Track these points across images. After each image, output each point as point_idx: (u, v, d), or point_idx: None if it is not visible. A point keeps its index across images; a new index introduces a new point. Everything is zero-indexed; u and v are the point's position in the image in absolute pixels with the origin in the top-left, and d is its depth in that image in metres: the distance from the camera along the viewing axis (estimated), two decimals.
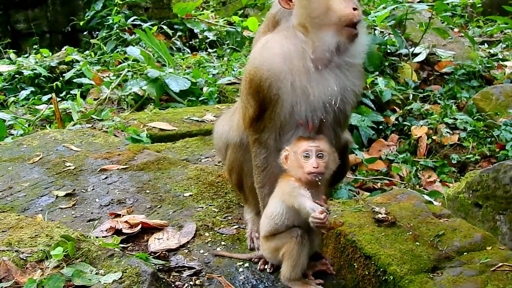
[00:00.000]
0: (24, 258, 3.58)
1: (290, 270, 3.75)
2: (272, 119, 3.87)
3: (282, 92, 3.75)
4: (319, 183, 3.68)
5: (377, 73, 9.96)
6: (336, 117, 3.93)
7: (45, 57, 11.64)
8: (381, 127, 9.17)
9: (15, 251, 3.64)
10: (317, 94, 3.75)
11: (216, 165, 5.88)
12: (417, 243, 4.35)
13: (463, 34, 12.73)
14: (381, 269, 4.13)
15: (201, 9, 16.28)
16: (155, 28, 12.65)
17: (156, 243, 4.26)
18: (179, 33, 13.78)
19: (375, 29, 11.40)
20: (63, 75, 10.55)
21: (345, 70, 3.84)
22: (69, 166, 5.62)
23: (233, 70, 10.56)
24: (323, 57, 3.74)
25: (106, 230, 4.39)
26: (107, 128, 7.18)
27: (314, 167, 3.61)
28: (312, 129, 3.87)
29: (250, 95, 3.92)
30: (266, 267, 3.94)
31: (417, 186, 7.73)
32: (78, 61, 11.05)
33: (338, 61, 3.79)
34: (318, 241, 3.98)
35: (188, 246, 4.25)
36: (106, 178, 5.38)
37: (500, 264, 4.06)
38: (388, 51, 10.86)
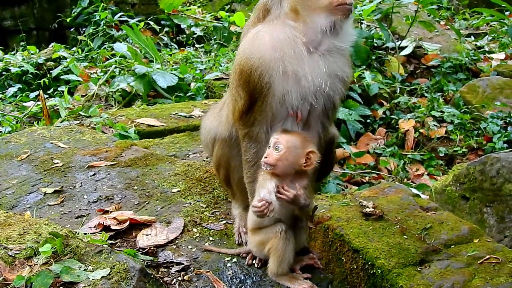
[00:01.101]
0: (13, 255, 3.57)
1: (276, 265, 3.76)
2: (263, 110, 3.89)
3: (274, 80, 3.78)
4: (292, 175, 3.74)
5: (364, 67, 9.97)
6: (325, 106, 3.96)
7: (32, 54, 11.62)
8: (368, 120, 9.18)
9: (4, 248, 3.63)
10: (309, 78, 3.78)
11: (204, 160, 5.89)
12: (404, 236, 4.37)
13: (449, 27, 12.75)
14: (369, 263, 4.15)
15: (187, 4, 16.23)
16: (142, 24, 12.64)
17: (144, 239, 4.26)
18: (166, 29, 13.77)
19: (361, 23, 11.40)
20: (51, 72, 10.54)
21: (334, 54, 3.89)
22: (57, 163, 5.61)
23: (221, 66, 10.56)
24: (315, 39, 3.78)
25: (94, 227, 4.39)
26: (95, 124, 7.17)
27: (264, 157, 3.69)
28: (301, 120, 3.90)
29: (240, 86, 3.94)
30: (254, 262, 3.96)
31: (405, 179, 7.76)
32: (65, 58, 11.06)
33: (328, 44, 3.82)
34: (305, 236, 4.00)
35: (176, 241, 4.26)
36: (94, 174, 5.37)
37: (487, 256, 4.08)
38: (375, 44, 10.87)
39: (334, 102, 4.01)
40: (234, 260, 4.02)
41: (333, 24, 3.74)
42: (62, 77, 10.20)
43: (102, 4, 13.16)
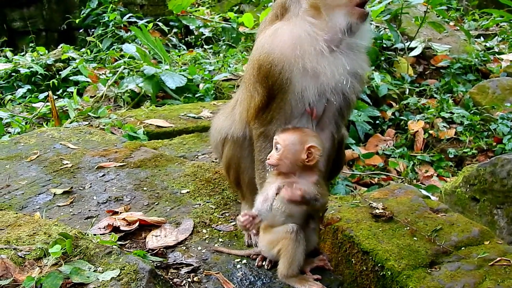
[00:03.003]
0: (23, 256, 3.57)
1: (286, 267, 3.75)
2: (282, 108, 3.88)
3: (294, 76, 3.78)
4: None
5: (373, 67, 9.96)
6: (341, 104, 3.96)
7: (41, 55, 11.64)
8: (377, 122, 9.17)
9: (13, 249, 3.63)
10: (329, 75, 3.78)
11: (213, 161, 5.88)
12: (414, 238, 4.36)
13: (458, 28, 12.72)
14: (378, 265, 4.14)
15: (196, 5, 16.27)
16: (150, 25, 12.66)
17: (153, 240, 4.25)
18: (174, 30, 13.78)
19: (370, 24, 11.38)
20: (60, 73, 10.56)
21: (355, 52, 3.90)
22: (67, 164, 5.61)
23: (229, 66, 10.56)
24: (336, 37, 3.79)
25: (103, 228, 4.38)
26: (104, 125, 7.18)
27: (267, 158, 3.74)
28: (316, 117, 3.89)
29: (258, 82, 3.92)
30: (264, 263, 3.94)
31: (414, 180, 7.73)
32: (74, 59, 11.07)
33: (349, 41, 3.84)
34: (315, 237, 3.97)
35: (186, 243, 4.25)
36: (103, 175, 5.38)
37: (498, 258, 4.08)
38: (384, 45, 10.87)
39: (350, 100, 4.00)
40: (244, 261, 4.01)
41: (349, 25, 3.75)
42: (71, 78, 10.22)
43: (111, 5, 13.20)
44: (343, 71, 3.82)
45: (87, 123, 7.55)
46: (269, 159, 3.71)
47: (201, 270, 3.92)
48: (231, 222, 4.55)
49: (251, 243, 4.21)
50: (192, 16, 14.34)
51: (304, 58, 3.76)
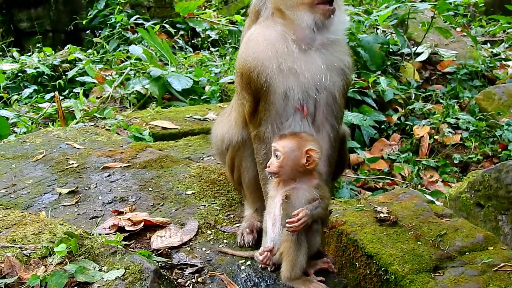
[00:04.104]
0: (28, 255, 3.59)
1: (289, 269, 3.75)
2: (267, 110, 3.93)
3: (271, 78, 3.83)
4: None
5: (379, 72, 9.95)
6: (328, 101, 3.99)
7: (48, 55, 11.66)
8: (383, 126, 9.17)
9: (19, 247, 3.65)
10: (307, 74, 3.84)
11: (218, 163, 5.89)
12: (418, 242, 4.36)
13: (465, 34, 12.70)
14: (382, 268, 4.14)
15: (203, 8, 16.29)
16: (157, 27, 12.66)
17: (158, 240, 4.27)
18: (181, 32, 13.80)
19: (377, 29, 11.41)
20: (66, 73, 10.58)
21: (329, 48, 3.93)
22: (72, 163, 5.63)
23: (235, 69, 10.55)
24: (305, 36, 3.84)
25: (109, 228, 4.40)
26: (110, 126, 7.19)
27: (268, 166, 3.75)
28: (307, 114, 3.91)
29: (243, 89, 4.02)
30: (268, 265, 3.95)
31: (419, 185, 7.73)
32: (80, 60, 11.09)
33: (321, 38, 3.88)
34: (318, 239, 3.97)
35: (191, 243, 4.26)
36: (109, 176, 5.39)
37: (502, 264, 4.07)
38: (390, 50, 10.87)
39: (335, 96, 4.01)
40: (248, 263, 4.01)
41: (316, 22, 3.80)
42: (77, 79, 10.24)
43: (118, 6, 13.21)
44: (318, 69, 3.87)
45: (93, 124, 7.57)
46: (269, 167, 3.73)
47: (206, 271, 3.93)
48: (236, 223, 4.56)
49: (243, 244, 4.23)
50: (198, 19, 14.36)
51: (278, 58, 3.83)
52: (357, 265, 4.39)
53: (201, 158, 6.23)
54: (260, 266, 3.96)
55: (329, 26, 3.87)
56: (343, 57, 4.03)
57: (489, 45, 13.29)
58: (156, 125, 7.42)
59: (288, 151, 3.70)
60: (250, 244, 4.16)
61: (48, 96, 9.65)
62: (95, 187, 5.19)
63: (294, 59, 3.83)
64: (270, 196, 3.83)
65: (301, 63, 3.84)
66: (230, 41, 13.54)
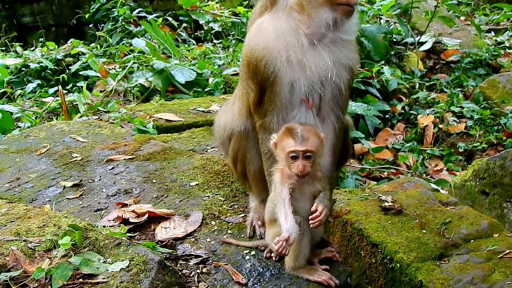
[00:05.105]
0: (32, 248, 3.60)
1: (293, 259, 3.77)
2: (272, 101, 3.93)
3: (279, 69, 3.85)
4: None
5: (383, 62, 9.92)
6: (333, 94, 4.01)
7: (51, 50, 11.66)
8: (387, 116, 9.14)
9: (24, 240, 3.66)
10: (313, 68, 3.87)
11: (222, 154, 5.88)
12: (423, 230, 4.36)
13: (469, 22, 12.65)
14: (387, 257, 4.15)
15: (206, 0, 16.24)
16: (160, 20, 12.64)
17: (163, 232, 4.27)
18: (184, 25, 13.77)
19: (380, 18, 11.38)
20: (69, 67, 10.58)
21: (339, 46, 3.97)
22: (76, 157, 5.63)
23: (238, 61, 10.51)
24: (318, 32, 3.88)
25: (113, 220, 4.40)
26: (114, 119, 7.19)
27: (300, 171, 3.67)
28: (312, 106, 3.92)
29: (249, 78, 4.01)
30: (272, 255, 3.95)
31: (424, 175, 7.71)
32: (84, 54, 11.09)
33: (332, 36, 3.93)
34: (322, 228, 3.97)
35: (195, 234, 4.27)
36: (112, 168, 5.39)
37: (507, 251, 4.08)
38: (394, 40, 10.82)
39: (341, 88, 4.04)
40: (253, 253, 4.02)
41: (334, 20, 3.84)
42: (80, 73, 10.24)
43: (121, 0, 13.19)
44: (326, 64, 3.89)
45: (96, 117, 7.56)
46: (303, 170, 3.67)
47: (210, 261, 3.94)
48: (240, 214, 4.56)
49: (252, 235, 4.24)
50: (201, 11, 14.32)
51: (288, 50, 3.85)
52: (362, 254, 4.39)
53: (205, 150, 6.23)
54: (265, 255, 3.97)
55: (342, 26, 3.92)
56: (351, 55, 4.07)
57: (493, 33, 13.22)
58: (159, 118, 7.41)
59: (317, 147, 3.72)
60: (263, 236, 4.15)
61: (51, 91, 9.66)
62: (99, 179, 5.20)
63: (304, 52, 3.86)
64: (276, 190, 3.81)
65: (310, 57, 3.87)
66: (233, 33, 13.49)
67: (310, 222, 3.63)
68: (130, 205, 4.65)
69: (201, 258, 3.96)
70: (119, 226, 4.21)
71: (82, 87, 8.84)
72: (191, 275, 3.80)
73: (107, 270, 3.41)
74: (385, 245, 4.21)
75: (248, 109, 4.20)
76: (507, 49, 11.66)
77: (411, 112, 9.19)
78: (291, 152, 3.67)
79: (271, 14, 3.98)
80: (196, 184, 5.05)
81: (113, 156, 5.62)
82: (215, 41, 13.10)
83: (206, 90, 9.50)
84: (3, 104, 8.62)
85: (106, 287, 3.31)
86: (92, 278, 3.38)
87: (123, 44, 11.96)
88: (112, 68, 10.24)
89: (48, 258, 3.53)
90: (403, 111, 9.26)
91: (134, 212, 4.45)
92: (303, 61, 3.86)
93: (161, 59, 9.84)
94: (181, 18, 13.88)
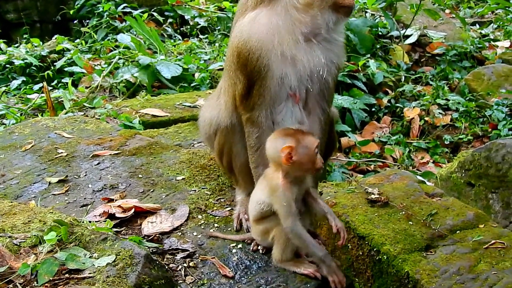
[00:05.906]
0: (18, 244, 3.59)
1: (280, 252, 3.78)
2: (262, 94, 3.94)
3: (272, 62, 3.86)
4: None
5: (368, 55, 9.93)
6: (321, 89, 4.07)
7: (35, 46, 11.58)
8: (373, 109, 9.16)
9: (9, 236, 3.64)
10: (306, 64, 3.91)
11: (209, 148, 5.88)
12: (410, 222, 4.38)
13: (454, 15, 12.70)
14: (374, 249, 4.16)
15: None
16: (145, 15, 12.57)
17: (149, 226, 4.27)
18: (170, 20, 13.70)
19: (366, 12, 11.39)
20: (54, 64, 10.52)
21: (331, 44, 4.04)
22: (61, 152, 5.61)
23: (225, 56, 10.51)
24: (316, 31, 3.92)
25: (99, 215, 4.39)
26: (100, 115, 7.17)
27: (322, 162, 3.76)
28: (299, 100, 3.95)
29: (238, 70, 3.99)
30: (259, 248, 3.97)
31: (410, 167, 7.73)
32: (69, 50, 11.02)
33: (326, 36, 3.97)
34: (308, 220, 3.97)
35: (182, 228, 4.28)
36: (98, 163, 5.37)
37: (492, 241, 4.10)
38: (380, 33, 10.84)
39: (329, 84, 4.11)
40: (239, 246, 4.04)
41: (335, 20, 3.93)
42: (66, 69, 10.18)
43: None
44: (319, 61, 3.95)
45: (82, 113, 7.53)
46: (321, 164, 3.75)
47: (197, 255, 3.95)
48: (227, 207, 4.57)
49: (239, 228, 4.26)
50: (187, 6, 14.26)
51: (282, 45, 3.87)
52: (350, 247, 4.40)
53: (192, 144, 6.22)
54: (251, 248, 3.99)
55: (335, 27, 4.02)
56: (340, 54, 4.15)
57: (477, 26, 13.27)
58: (146, 113, 7.39)
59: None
60: (250, 230, 4.15)
61: (36, 87, 9.61)
62: (85, 175, 5.18)
63: (298, 49, 3.89)
64: (285, 205, 3.77)
65: (304, 54, 3.92)
66: (219, 28, 13.46)
67: (339, 242, 3.81)
68: (116, 200, 4.64)
69: (188, 252, 3.96)
70: (105, 221, 4.20)
71: (67, 83, 8.79)
72: (178, 269, 3.80)
73: (93, 265, 3.40)
74: (372, 237, 4.22)
75: (234, 102, 4.19)
76: (491, 42, 11.71)
77: (397, 105, 9.21)
78: (317, 147, 3.68)
79: (268, 9, 3.95)
80: (183, 179, 5.04)
81: (99, 151, 5.60)
82: (201, 36, 13.06)
83: (192, 85, 9.48)
84: None
85: (93, 282, 3.29)
86: (78, 273, 3.36)
87: (109, 40, 11.90)
88: (98, 64, 10.20)
89: (34, 254, 3.51)
90: (389, 104, 9.28)
91: (120, 207, 4.44)
92: (296, 56, 3.89)
93: (147, 55, 9.82)
94: (166, 13, 13.82)
